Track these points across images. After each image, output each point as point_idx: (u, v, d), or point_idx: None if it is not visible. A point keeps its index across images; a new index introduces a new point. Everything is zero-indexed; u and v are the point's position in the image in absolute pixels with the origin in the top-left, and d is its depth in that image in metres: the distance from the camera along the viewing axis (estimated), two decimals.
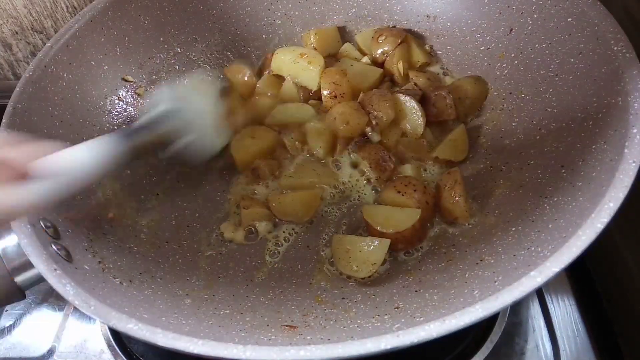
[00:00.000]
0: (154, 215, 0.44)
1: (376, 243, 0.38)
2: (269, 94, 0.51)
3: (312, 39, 0.53)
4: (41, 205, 0.27)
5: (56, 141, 0.28)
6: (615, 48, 0.34)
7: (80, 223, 0.38)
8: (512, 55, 0.45)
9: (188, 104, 0.40)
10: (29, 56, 0.65)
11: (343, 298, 0.37)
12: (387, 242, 0.38)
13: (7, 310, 0.47)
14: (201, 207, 0.46)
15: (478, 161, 0.44)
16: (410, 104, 0.46)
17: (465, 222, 0.40)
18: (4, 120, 0.39)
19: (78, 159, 0.29)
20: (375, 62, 0.52)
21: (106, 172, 0.31)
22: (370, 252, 0.38)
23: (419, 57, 0.51)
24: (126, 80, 0.50)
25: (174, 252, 0.42)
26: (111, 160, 0.31)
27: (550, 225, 0.31)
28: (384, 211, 0.40)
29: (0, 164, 0.25)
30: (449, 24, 0.51)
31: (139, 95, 0.50)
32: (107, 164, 0.31)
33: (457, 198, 0.40)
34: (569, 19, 0.39)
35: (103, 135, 0.32)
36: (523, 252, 0.31)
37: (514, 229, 0.34)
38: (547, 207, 0.33)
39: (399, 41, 0.50)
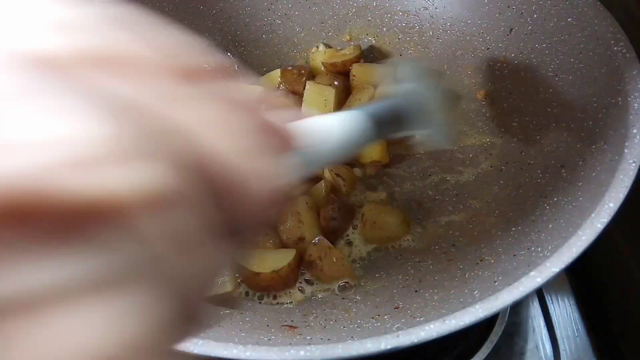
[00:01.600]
0: None
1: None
2: None
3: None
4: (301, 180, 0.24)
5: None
6: (615, 48, 0.34)
7: None
8: (512, 55, 0.45)
9: (427, 90, 0.34)
10: None
11: (343, 298, 0.37)
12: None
13: None
14: None
15: (478, 161, 0.44)
16: None
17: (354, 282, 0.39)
18: None
19: (334, 129, 0.25)
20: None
21: (353, 151, 0.26)
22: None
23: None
24: None
25: None
26: (360, 137, 0.26)
27: (550, 225, 0.31)
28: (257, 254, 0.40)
29: (270, 130, 0.17)
30: (449, 24, 0.51)
31: None
32: (357, 140, 0.26)
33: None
34: (569, 19, 0.39)
35: (348, 110, 0.27)
36: (523, 252, 0.31)
37: (514, 229, 0.34)
38: (547, 207, 0.33)
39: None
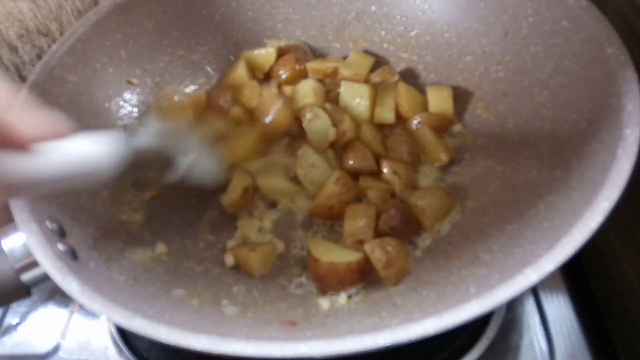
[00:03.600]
0: (159, 215, 0.45)
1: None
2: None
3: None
4: (40, 185, 0.25)
5: (68, 121, 0.26)
6: (609, 51, 0.35)
7: (87, 223, 0.39)
8: (508, 58, 0.45)
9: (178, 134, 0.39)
10: (35, 59, 0.66)
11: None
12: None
13: (12, 308, 0.47)
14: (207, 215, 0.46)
15: (474, 162, 0.45)
16: None
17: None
18: None
19: (86, 149, 0.27)
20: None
21: (109, 173, 0.29)
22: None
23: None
24: (131, 83, 0.51)
25: (178, 251, 0.43)
26: (117, 161, 0.29)
27: (545, 225, 0.32)
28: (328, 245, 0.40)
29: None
30: (445, 28, 0.51)
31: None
32: (114, 163, 0.29)
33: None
34: (564, 22, 0.40)
35: (105, 133, 0.30)
36: (518, 251, 0.31)
37: (509, 227, 0.35)
38: (542, 207, 0.34)
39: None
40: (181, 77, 0.54)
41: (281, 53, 0.54)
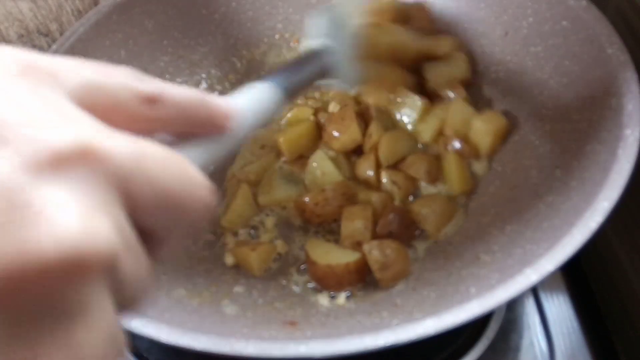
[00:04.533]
0: None
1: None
2: None
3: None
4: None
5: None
6: (609, 51, 0.35)
7: None
8: (508, 58, 0.45)
9: (340, 36, 0.36)
10: None
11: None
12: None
13: None
14: None
15: (473, 162, 0.45)
16: None
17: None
18: None
19: (259, 102, 0.26)
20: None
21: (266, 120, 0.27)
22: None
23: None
24: None
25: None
26: (272, 109, 0.27)
27: (545, 225, 0.32)
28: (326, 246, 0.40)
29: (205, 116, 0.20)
30: (445, 28, 0.51)
31: None
32: (270, 111, 0.27)
33: None
34: (564, 23, 0.40)
35: (259, 83, 0.28)
36: (518, 251, 0.31)
37: (509, 228, 0.35)
38: (542, 207, 0.34)
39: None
40: (181, 77, 0.54)
41: None
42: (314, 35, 0.36)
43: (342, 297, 0.37)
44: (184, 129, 0.20)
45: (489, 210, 0.39)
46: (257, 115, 0.26)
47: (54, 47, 0.45)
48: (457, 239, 0.39)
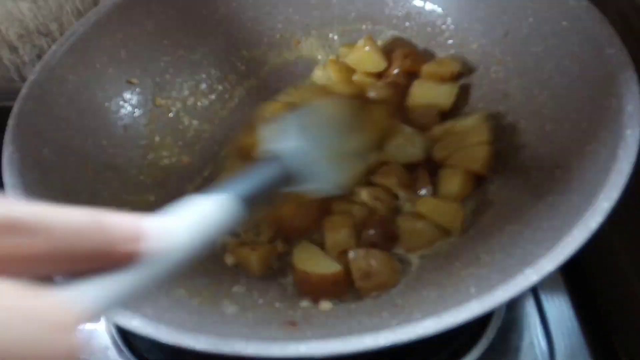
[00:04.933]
0: None
1: None
2: None
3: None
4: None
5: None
6: (609, 51, 0.35)
7: None
8: (508, 58, 0.45)
9: (313, 139, 0.32)
10: (35, 59, 0.66)
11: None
12: None
13: None
14: None
15: None
16: None
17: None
18: (10, 122, 0.40)
19: (200, 224, 0.20)
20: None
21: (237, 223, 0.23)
22: None
23: None
24: (131, 83, 0.51)
25: None
26: (230, 223, 0.22)
27: (545, 225, 0.32)
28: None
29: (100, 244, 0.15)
30: (445, 28, 0.51)
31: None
32: (228, 224, 0.22)
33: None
34: (564, 23, 0.40)
35: (215, 192, 0.23)
36: (518, 251, 0.31)
37: (509, 227, 0.35)
38: (542, 207, 0.34)
39: None
40: (181, 77, 0.54)
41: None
42: (273, 141, 0.31)
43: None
44: (72, 266, 0.14)
45: (489, 210, 0.39)
46: (204, 230, 0.20)
47: (54, 47, 0.45)
48: (457, 238, 0.39)
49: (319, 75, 0.53)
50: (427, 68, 0.48)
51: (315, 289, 0.37)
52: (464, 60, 0.48)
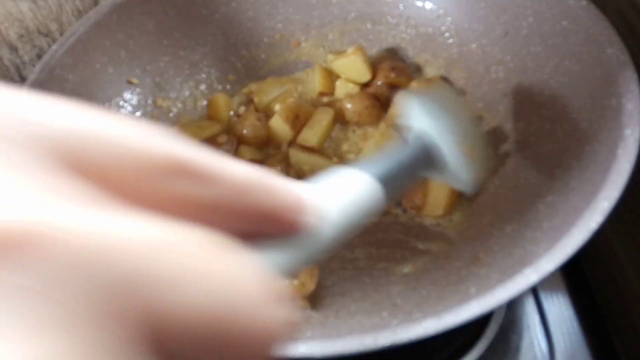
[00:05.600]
0: None
1: None
2: None
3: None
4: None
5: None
6: (609, 51, 0.35)
7: None
8: (508, 58, 0.45)
9: (444, 130, 0.28)
10: (35, 59, 0.66)
11: (343, 295, 0.37)
12: None
13: None
14: None
15: None
16: None
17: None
18: None
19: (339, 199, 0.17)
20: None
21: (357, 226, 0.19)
22: None
23: None
24: (131, 83, 0.51)
25: None
26: (369, 208, 0.19)
27: (545, 225, 0.32)
28: None
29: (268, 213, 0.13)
30: (445, 28, 0.51)
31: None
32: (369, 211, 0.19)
33: None
34: (564, 23, 0.40)
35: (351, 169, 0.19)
36: (518, 251, 0.31)
37: (509, 227, 0.35)
38: (542, 207, 0.34)
39: None
40: (181, 77, 0.54)
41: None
42: (412, 118, 0.28)
43: (342, 295, 0.37)
44: (230, 224, 0.12)
45: (489, 210, 0.39)
46: (352, 212, 0.17)
47: (54, 47, 0.45)
48: (457, 238, 0.39)
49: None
50: (413, 84, 0.49)
51: None
52: (451, 82, 0.49)
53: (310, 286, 0.36)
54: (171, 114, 0.52)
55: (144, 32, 0.51)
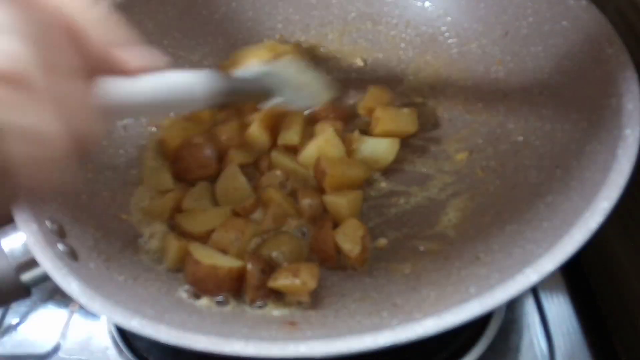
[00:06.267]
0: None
1: None
2: None
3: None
4: (138, 109, 0.29)
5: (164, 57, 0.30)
6: (609, 51, 0.35)
7: (87, 223, 0.39)
8: (508, 58, 0.45)
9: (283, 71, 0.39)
10: None
11: (343, 295, 0.37)
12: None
13: (12, 308, 0.47)
14: None
15: (474, 162, 0.45)
16: None
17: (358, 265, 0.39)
18: None
19: (182, 79, 0.30)
20: None
21: (203, 100, 0.31)
22: None
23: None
24: None
25: None
26: (212, 90, 0.31)
27: (545, 225, 0.32)
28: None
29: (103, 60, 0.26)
30: (445, 28, 0.51)
31: None
32: (209, 91, 0.30)
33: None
34: (564, 23, 0.40)
35: (201, 70, 0.31)
36: (518, 251, 0.31)
37: (509, 227, 0.35)
38: (542, 207, 0.34)
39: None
40: None
41: None
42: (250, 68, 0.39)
43: (343, 295, 0.37)
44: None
45: (489, 210, 0.39)
46: (177, 88, 0.29)
47: None
48: (457, 238, 0.39)
49: None
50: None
51: (220, 284, 0.37)
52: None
53: (312, 285, 0.36)
54: (171, 114, 0.52)
55: (144, 32, 0.50)
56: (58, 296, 0.47)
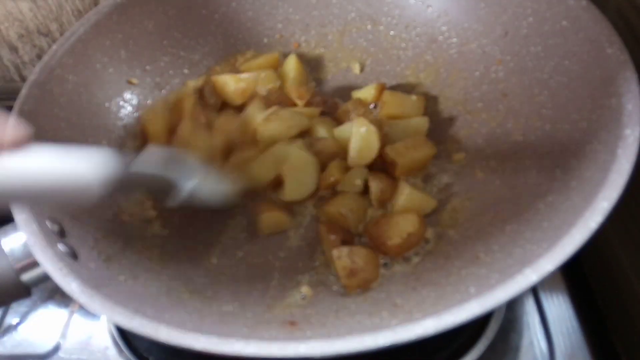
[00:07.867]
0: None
1: None
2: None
3: None
4: (10, 194, 0.25)
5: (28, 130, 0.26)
6: (609, 51, 0.35)
7: (87, 223, 0.39)
8: (508, 58, 0.45)
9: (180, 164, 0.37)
10: (35, 59, 0.66)
11: (343, 295, 0.37)
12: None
13: (12, 308, 0.47)
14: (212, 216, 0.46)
15: (474, 162, 0.45)
16: None
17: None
18: None
19: (69, 163, 0.26)
20: None
21: (95, 194, 0.28)
22: None
23: None
24: (131, 83, 0.51)
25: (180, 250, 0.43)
26: (106, 181, 0.27)
27: (544, 224, 0.32)
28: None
29: None
30: (445, 28, 0.51)
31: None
32: (102, 183, 0.27)
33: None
34: (564, 22, 0.40)
35: (100, 150, 0.28)
36: (518, 251, 0.31)
37: (509, 227, 0.35)
38: (542, 207, 0.34)
39: None
40: (181, 77, 0.54)
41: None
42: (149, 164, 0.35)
43: (343, 295, 0.37)
44: None
45: (489, 210, 0.39)
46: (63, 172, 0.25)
47: (54, 47, 0.45)
48: (457, 238, 0.39)
49: None
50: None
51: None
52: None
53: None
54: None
55: (144, 32, 0.51)
56: (58, 296, 0.47)
